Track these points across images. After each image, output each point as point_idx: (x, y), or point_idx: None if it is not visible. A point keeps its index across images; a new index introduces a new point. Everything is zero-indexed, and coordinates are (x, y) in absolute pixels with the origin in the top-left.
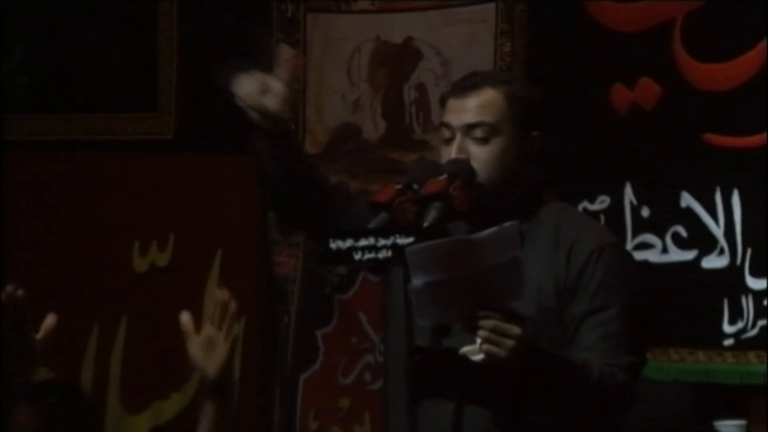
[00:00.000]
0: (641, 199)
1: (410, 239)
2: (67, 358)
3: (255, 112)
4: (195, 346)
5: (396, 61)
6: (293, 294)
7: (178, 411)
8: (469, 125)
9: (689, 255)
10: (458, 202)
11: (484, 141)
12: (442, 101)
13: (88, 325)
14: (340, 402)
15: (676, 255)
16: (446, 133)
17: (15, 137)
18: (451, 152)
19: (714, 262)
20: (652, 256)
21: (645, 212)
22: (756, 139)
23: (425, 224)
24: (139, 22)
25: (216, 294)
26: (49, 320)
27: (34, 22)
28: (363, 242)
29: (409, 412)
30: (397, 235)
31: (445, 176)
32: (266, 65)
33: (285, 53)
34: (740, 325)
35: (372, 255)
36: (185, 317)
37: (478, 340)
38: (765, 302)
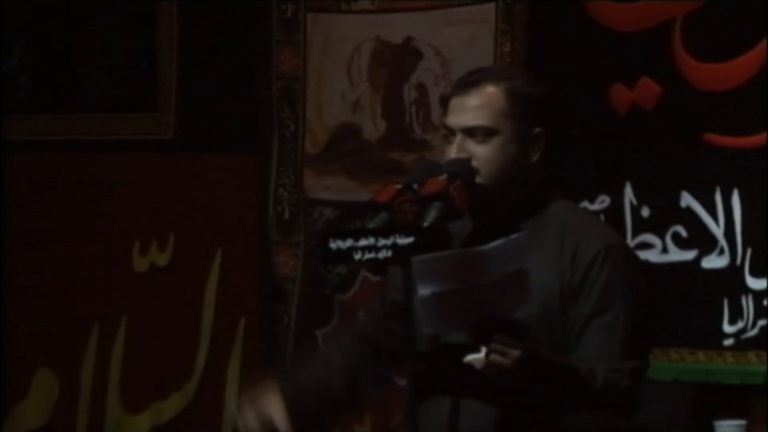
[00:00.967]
0: (641, 199)
1: (410, 239)
2: (68, 357)
3: None
4: None
5: (396, 61)
6: (293, 294)
7: (178, 411)
8: (467, 128)
9: (689, 255)
10: (458, 202)
11: (483, 140)
12: (443, 101)
13: (88, 325)
14: None
15: (676, 255)
16: (449, 133)
17: (15, 137)
18: (452, 152)
19: (714, 262)
20: (652, 256)
21: (645, 212)
22: (756, 139)
23: (425, 224)
24: (139, 22)
25: None
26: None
27: (34, 22)
28: (363, 242)
29: (409, 411)
30: (397, 235)
31: (445, 176)
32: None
33: None
34: (740, 325)
35: (372, 255)
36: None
37: (483, 349)
38: (765, 302)
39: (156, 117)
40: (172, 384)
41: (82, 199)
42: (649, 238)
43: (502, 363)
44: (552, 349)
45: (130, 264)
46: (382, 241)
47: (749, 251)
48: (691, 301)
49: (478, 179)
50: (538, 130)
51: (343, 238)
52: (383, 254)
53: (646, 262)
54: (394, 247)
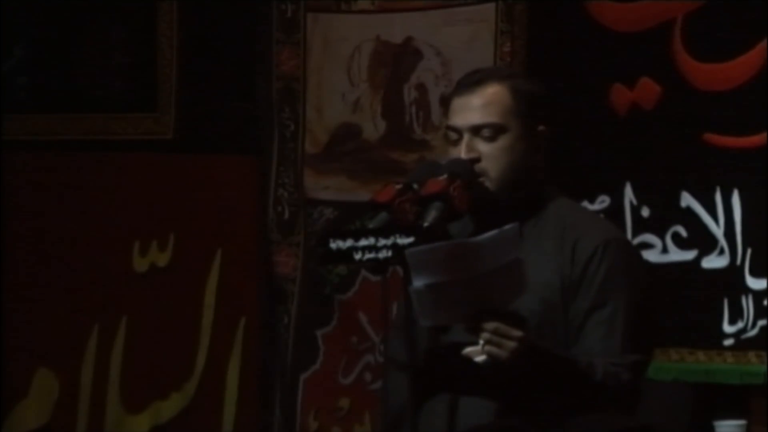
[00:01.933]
0: (641, 199)
1: (410, 239)
2: (68, 357)
3: None
4: None
5: (396, 61)
6: (293, 294)
7: (178, 411)
8: (476, 127)
9: (689, 255)
10: (458, 202)
11: (491, 139)
12: (444, 102)
13: (88, 325)
14: (340, 402)
15: (676, 255)
16: (453, 135)
17: (15, 137)
18: (459, 153)
19: (714, 262)
20: (652, 256)
21: (645, 212)
22: (756, 139)
23: (425, 224)
24: (139, 22)
25: None
26: None
27: (34, 22)
28: (363, 242)
29: (410, 411)
30: (397, 235)
31: (445, 176)
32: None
33: None
34: (740, 325)
35: (372, 255)
36: None
37: (480, 342)
38: (765, 302)
39: (156, 117)
40: (172, 384)
41: (82, 199)
42: (649, 238)
43: (498, 354)
44: (554, 344)
45: (130, 264)
46: (382, 241)
47: (749, 251)
48: (691, 301)
49: (487, 179)
50: (542, 128)
51: (343, 238)
52: (383, 254)
53: (646, 263)
54: (394, 247)
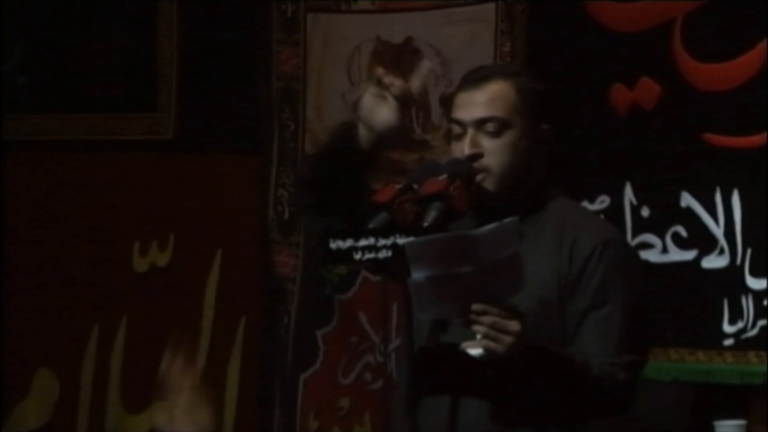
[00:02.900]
0: (641, 199)
1: (410, 239)
2: (68, 357)
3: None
4: None
5: (396, 61)
6: (293, 294)
7: None
8: (481, 120)
9: (689, 255)
10: (458, 202)
11: (496, 134)
12: (443, 101)
13: (88, 325)
14: (340, 402)
15: (676, 255)
16: (456, 129)
17: (15, 137)
18: (462, 147)
19: (714, 262)
20: (652, 256)
21: (645, 212)
22: (756, 139)
23: (425, 224)
24: (139, 22)
25: None
26: None
27: (34, 22)
28: (363, 242)
29: (409, 409)
30: (397, 235)
31: (445, 176)
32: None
33: None
34: (740, 325)
35: (372, 255)
36: None
37: (478, 336)
38: (765, 302)
39: (156, 117)
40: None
41: (82, 199)
42: (649, 238)
43: (495, 349)
44: (550, 343)
45: (130, 264)
46: (382, 241)
47: (749, 251)
48: (691, 301)
49: (489, 176)
50: (544, 126)
51: (343, 238)
52: (383, 254)
53: (646, 262)
54: (394, 247)
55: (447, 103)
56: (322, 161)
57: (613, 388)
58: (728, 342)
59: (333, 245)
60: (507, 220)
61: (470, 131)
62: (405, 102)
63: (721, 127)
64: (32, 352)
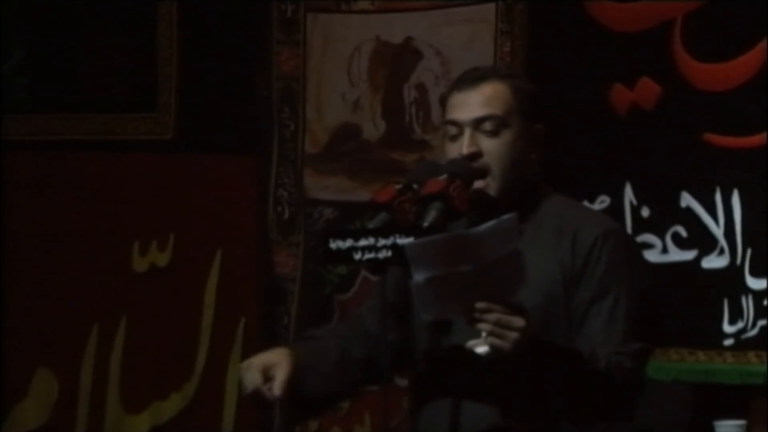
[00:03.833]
0: (641, 199)
1: (410, 239)
2: (67, 357)
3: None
4: None
5: (396, 61)
6: (293, 294)
7: (178, 411)
8: (479, 119)
9: (689, 255)
10: (458, 202)
11: (494, 134)
12: (443, 100)
13: (88, 325)
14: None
15: (676, 255)
16: (452, 130)
17: (15, 137)
18: (458, 148)
19: (714, 262)
20: (652, 256)
21: (645, 212)
22: (756, 139)
23: (425, 224)
24: (139, 22)
25: None
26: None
27: (34, 22)
28: (363, 242)
29: (412, 413)
30: (397, 235)
31: (445, 176)
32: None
33: None
34: (740, 325)
35: (372, 255)
36: None
37: (483, 334)
38: (765, 302)
39: (156, 117)
40: (171, 384)
41: (82, 199)
42: (649, 238)
43: (501, 346)
44: (557, 337)
45: (130, 264)
46: (382, 241)
47: (749, 251)
48: (691, 301)
49: (492, 181)
50: (539, 127)
51: (343, 238)
52: (383, 254)
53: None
54: (394, 247)
55: (443, 99)
56: None
57: (622, 378)
58: (728, 342)
59: (333, 245)
60: (505, 216)
61: (468, 131)
62: None
63: (721, 127)
64: (32, 352)
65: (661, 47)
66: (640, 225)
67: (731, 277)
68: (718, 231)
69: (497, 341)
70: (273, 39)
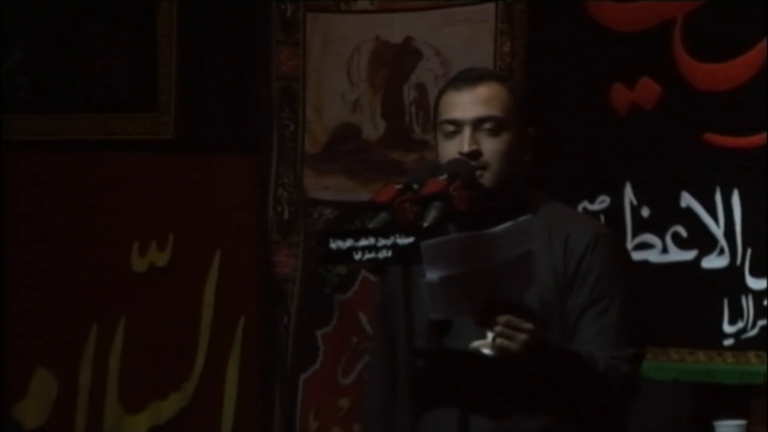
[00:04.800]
0: (641, 199)
1: (410, 239)
2: (66, 357)
3: None
4: None
5: (396, 61)
6: (293, 294)
7: (177, 411)
8: (480, 118)
9: (689, 255)
10: (458, 202)
11: (494, 134)
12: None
13: (88, 325)
14: (340, 402)
15: (676, 255)
16: (449, 128)
17: (15, 137)
18: (456, 146)
19: (714, 262)
20: (652, 256)
21: (645, 212)
22: (756, 139)
23: (425, 224)
24: (139, 22)
25: None
26: None
27: (34, 22)
28: (363, 242)
29: (413, 415)
30: (397, 235)
31: (445, 176)
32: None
33: None
34: (740, 325)
35: (372, 255)
36: None
37: (490, 335)
38: (765, 302)
39: (156, 117)
40: (171, 384)
41: (82, 199)
42: (649, 238)
43: (509, 347)
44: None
45: (130, 264)
46: (382, 241)
47: (749, 251)
48: (691, 301)
49: (488, 174)
50: (530, 130)
51: (343, 238)
52: (383, 254)
53: (646, 262)
54: (394, 247)
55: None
56: None
57: (619, 382)
58: (728, 342)
59: (333, 245)
60: (521, 218)
61: (467, 130)
62: None
63: (721, 127)
64: (31, 352)
65: (661, 47)
66: (640, 225)
67: (731, 277)
68: (718, 231)
69: (506, 342)
70: (273, 39)
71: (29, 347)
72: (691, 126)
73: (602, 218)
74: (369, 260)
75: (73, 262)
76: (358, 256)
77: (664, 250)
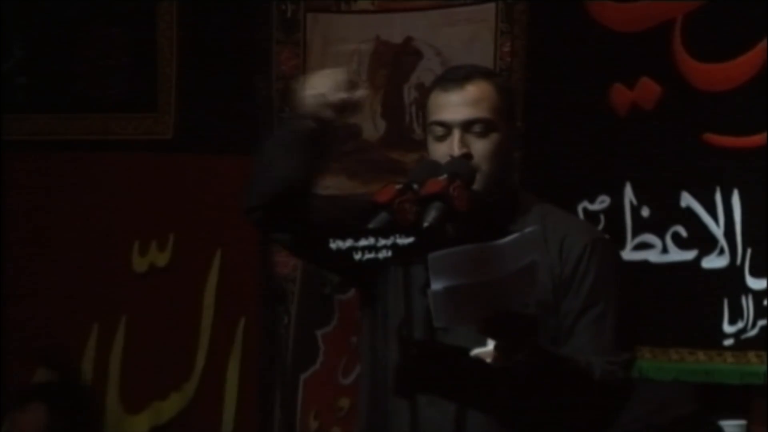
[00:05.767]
0: (641, 199)
1: (410, 239)
2: (67, 357)
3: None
4: None
5: (396, 61)
6: (293, 294)
7: (178, 411)
8: (469, 121)
9: (689, 255)
10: (458, 202)
11: (483, 135)
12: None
13: (88, 325)
14: (340, 402)
15: (676, 255)
16: (439, 131)
17: (15, 137)
18: (446, 149)
19: (714, 262)
20: (652, 256)
21: (645, 212)
22: (756, 139)
23: (425, 224)
24: (139, 22)
25: None
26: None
27: (34, 22)
28: (363, 242)
29: (411, 414)
30: (397, 235)
31: (445, 176)
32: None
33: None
34: (740, 325)
35: (372, 255)
36: None
37: (490, 342)
38: (765, 302)
39: (156, 117)
40: (171, 384)
41: (82, 199)
42: (649, 238)
43: (509, 358)
44: (547, 344)
45: (130, 264)
46: (382, 241)
47: (749, 251)
48: (691, 301)
49: (479, 176)
50: (518, 124)
51: (343, 238)
52: (383, 254)
53: (646, 262)
54: (394, 247)
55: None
56: None
57: (615, 388)
58: (728, 342)
59: (333, 245)
60: (528, 229)
61: (457, 132)
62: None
63: (721, 127)
64: (32, 352)
65: (661, 47)
66: (640, 225)
67: (731, 277)
68: (718, 231)
69: (507, 351)
70: (273, 39)
71: (30, 347)
72: (691, 126)
73: (602, 218)
74: (369, 260)
75: (74, 262)
76: (358, 256)
77: (664, 250)
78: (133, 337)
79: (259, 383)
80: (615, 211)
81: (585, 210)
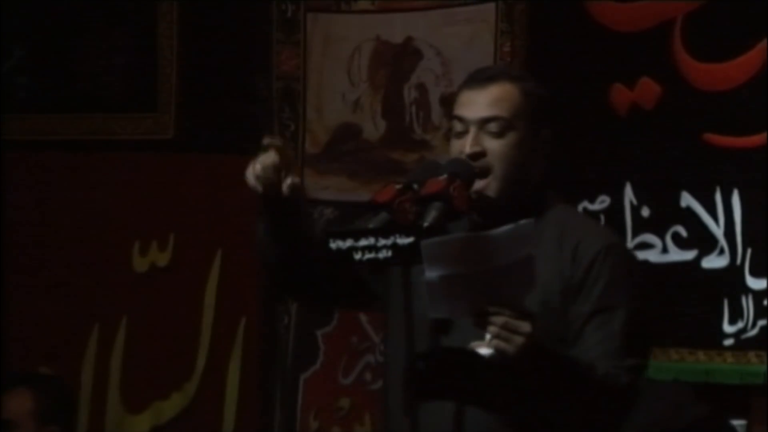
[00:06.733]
0: (641, 199)
1: (410, 239)
2: (68, 357)
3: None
4: None
5: (396, 61)
6: None
7: (179, 411)
8: (484, 119)
9: (689, 255)
10: (458, 202)
11: (498, 135)
12: (443, 101)
13: (88, 325)
14: (340, 402)
15: (676, 255)
16: (458, 127)
17: (15, 137)
18: (462, 145)
19: (714, 262)
20: (652, 256)
21: (645, 212)
22: (756, 139)
23: (425, 224)
24: (139, 23)
25: None
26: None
27: (34, 22)
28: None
29: (410, 414)
30: (397, 235)
31: (445, 176)
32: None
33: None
34: (740, 325)
35: (372, 255)
36: None
37: (488, 336)
38: (765, 302)
39: (156, 117)
40: (172, 384)
41: (82, 199)
42: (649, 238)
43: (505, 349)
44: (552, 346)
45: (130, 264)
46: (382, 241)
47: (749, 251)
48: (691, 301)
49: (491, 176)
50: (545, 131)
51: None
52: (383, 254)
53: (646, 262)
54: (394, 247)
55: (447, 102)
56: None
57: (617, 392)
58: (728, 342)
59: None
60: (522, 221)
61: (473, 130)
62: None
63: (721, 127)
64: (32, 352)
65: (661, 47)
66: (640, 225)
67: (731, 277)
68: (718, 231)
69: (502, 344)
70: (273, 39)
71: (30, 347)
72: (691, 126)
73: (602, 218)
74: (369, 260)
75: (74, 262)
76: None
77: (664, 250)
78: (134, 337)
79: (260, 383)
80: (615, 211)
81: (585, 210)
